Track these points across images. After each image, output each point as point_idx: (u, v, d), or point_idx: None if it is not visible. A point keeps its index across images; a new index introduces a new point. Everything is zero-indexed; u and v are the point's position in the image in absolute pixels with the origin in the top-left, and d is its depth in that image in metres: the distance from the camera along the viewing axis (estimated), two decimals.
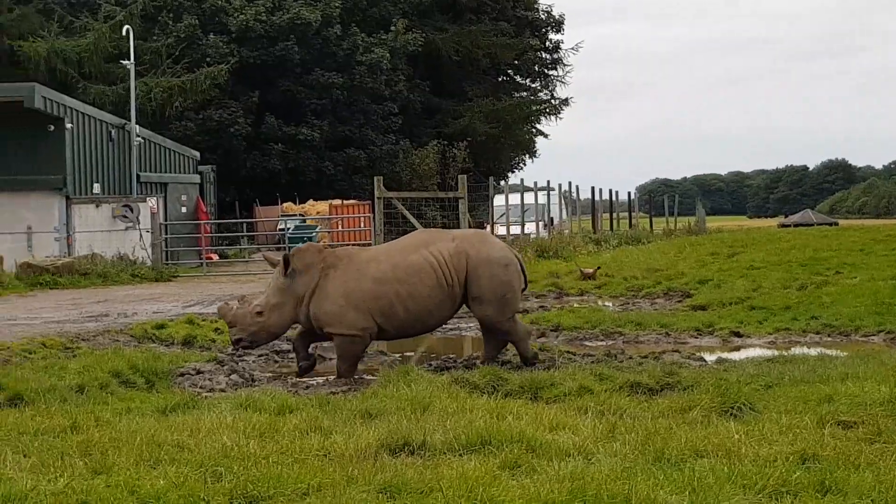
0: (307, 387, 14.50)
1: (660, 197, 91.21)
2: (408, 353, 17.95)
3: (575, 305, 24.84)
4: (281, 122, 59.53)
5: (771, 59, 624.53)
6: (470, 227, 33.19)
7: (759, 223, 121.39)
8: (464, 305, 15.89)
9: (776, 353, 16.39)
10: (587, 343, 18.89)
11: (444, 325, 17.33)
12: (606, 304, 25.54)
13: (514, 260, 15.82)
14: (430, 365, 15.82)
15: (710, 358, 16.15)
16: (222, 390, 14.14)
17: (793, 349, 17.27)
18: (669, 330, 19.67)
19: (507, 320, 15.59)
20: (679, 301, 25.28)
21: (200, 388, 14.32)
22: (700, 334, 19.47)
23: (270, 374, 15.72)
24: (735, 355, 16.78)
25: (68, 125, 38.88)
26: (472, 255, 15.45)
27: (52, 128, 38.63)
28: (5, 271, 31.93)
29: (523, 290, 16.22)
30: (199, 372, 15.51)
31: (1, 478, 8.47)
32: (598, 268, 31.38)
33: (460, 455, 9.29)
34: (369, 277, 15.24)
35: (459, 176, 36.42)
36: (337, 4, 60.82)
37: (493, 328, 15.78)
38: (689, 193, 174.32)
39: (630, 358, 15.95)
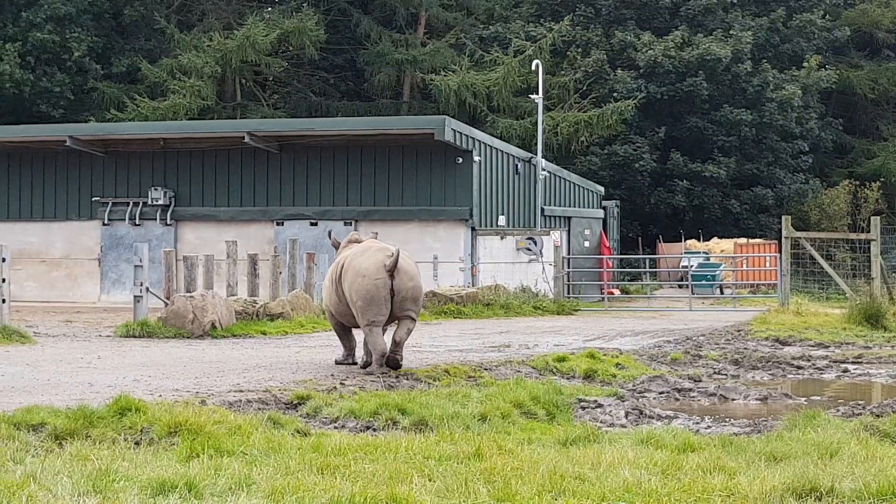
0: (708, 426, 14.24)
1: None
2: (814, 398, 17.40)
3: None
4: (686, 159, 59.25)
5: None
6: (882, 271, 32.07)
7: None
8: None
9: None
10: None
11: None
12: None
13: (376, 274, 16.97)
14: (838, 410, 15.28)
15: None
16: (622, 425, 14.02)
17: None
18: None
19: (365, 326, 17.19)
20: None
21: (601, 422, 14.25)
22: None
23: (671, 412, 15.50)
24: None
25: (476, 158, 39.68)
26: (346, 262, 17.51)
27: (461, 160, 39.51)
28: None
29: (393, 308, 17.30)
30: (599, 406, 15.44)
31: (408, 500, 8.60)
32: None
33: None
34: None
35: (872, 217, 35.23)
36: (748, 40, 60.16)
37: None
38: None
39: None
